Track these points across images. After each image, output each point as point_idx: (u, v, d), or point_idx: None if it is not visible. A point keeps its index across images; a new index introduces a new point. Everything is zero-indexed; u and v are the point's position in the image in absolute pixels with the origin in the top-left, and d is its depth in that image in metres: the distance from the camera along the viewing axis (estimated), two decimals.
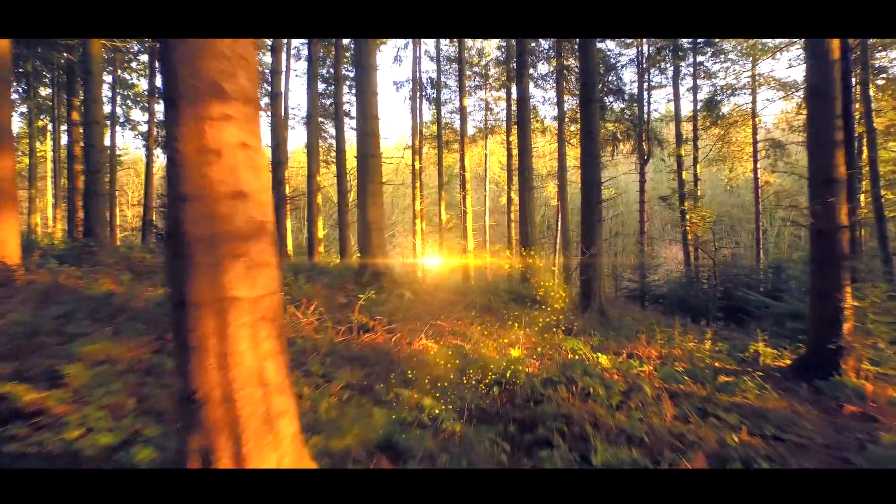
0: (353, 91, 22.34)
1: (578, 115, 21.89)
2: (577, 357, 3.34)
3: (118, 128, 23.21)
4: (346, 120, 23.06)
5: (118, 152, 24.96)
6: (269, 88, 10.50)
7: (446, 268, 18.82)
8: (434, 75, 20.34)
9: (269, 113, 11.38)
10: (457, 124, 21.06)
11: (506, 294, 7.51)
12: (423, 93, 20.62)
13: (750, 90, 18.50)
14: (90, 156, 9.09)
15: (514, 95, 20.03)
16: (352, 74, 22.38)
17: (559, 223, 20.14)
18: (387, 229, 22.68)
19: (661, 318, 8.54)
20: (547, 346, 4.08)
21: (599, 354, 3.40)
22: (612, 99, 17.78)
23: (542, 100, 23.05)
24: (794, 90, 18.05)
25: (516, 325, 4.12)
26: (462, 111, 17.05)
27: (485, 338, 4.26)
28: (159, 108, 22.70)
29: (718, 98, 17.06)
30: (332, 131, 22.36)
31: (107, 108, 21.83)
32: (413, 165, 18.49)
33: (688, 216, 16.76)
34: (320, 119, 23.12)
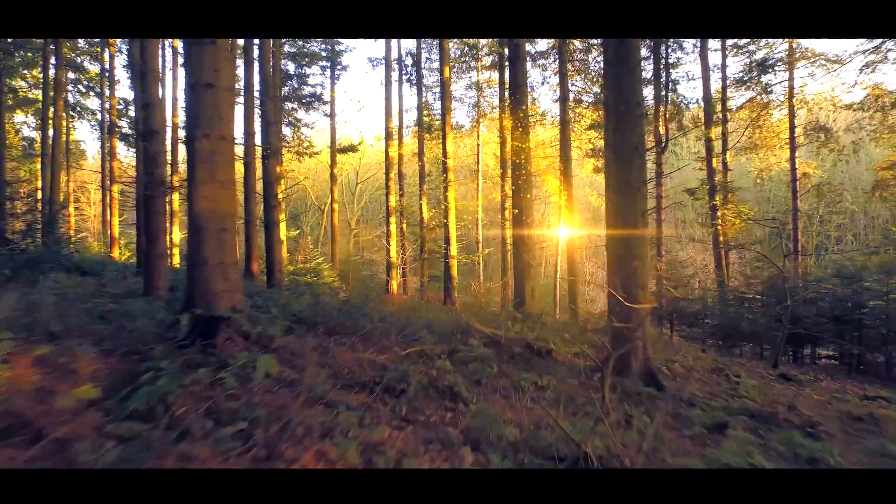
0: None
1: (582, 98, 19.21)
2: None
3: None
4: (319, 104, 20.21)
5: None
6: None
7: (431, 276, 15.94)
8: (414, 50, 17.49)
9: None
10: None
11: (483, 344, 4.33)
12: (403, 71, 17.74)
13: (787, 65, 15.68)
14: None
15: (506, 78, 17.21)
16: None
17: (562, 222, 17.34)
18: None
19: (730, 363, 5.65)
20: None
21: None
22: None
23: (542, 80, 20.14)
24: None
25: None
26: (444, 85, 14.11)
27: None
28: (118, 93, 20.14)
29: (768, 63, 14.05)
30: (301, 115, 19.48)
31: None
32: (387, 152, 15.52)
33: (719, 213, 13.86)
34: (291, 105, 20.27)
